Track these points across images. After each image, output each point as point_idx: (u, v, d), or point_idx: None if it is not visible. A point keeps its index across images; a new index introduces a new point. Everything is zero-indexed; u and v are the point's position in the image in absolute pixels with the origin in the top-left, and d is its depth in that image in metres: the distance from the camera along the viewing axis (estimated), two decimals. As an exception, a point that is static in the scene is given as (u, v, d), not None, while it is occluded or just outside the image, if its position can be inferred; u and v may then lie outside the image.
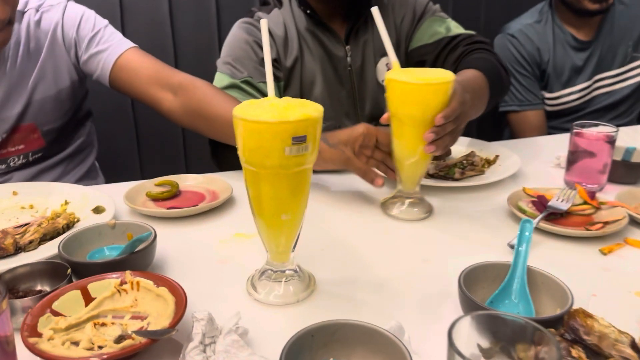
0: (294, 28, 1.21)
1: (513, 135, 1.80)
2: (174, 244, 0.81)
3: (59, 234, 0.80)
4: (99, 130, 1.37)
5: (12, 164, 1.15)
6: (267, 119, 0.58)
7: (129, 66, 1.11)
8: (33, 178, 1.17)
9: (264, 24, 0.66)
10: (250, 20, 1.22)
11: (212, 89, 1.07)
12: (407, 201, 0.90)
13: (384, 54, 1.27)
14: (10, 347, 0.48)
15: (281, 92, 1.22)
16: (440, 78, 0.81)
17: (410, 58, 1.27)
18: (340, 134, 0.94)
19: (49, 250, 0.75)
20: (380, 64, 1.27)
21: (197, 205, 0.90)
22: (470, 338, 0.47)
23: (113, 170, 1.52)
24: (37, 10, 1.11)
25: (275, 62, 1.20)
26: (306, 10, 1.19)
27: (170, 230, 0.86)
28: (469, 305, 0.59)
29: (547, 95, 1.74)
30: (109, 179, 1.26)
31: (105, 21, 1.16)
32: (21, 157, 1.15)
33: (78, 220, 0.83)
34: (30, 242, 0.76)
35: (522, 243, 0.65)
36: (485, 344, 0.49)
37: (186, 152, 1.82)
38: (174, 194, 0.96)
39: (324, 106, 1.33)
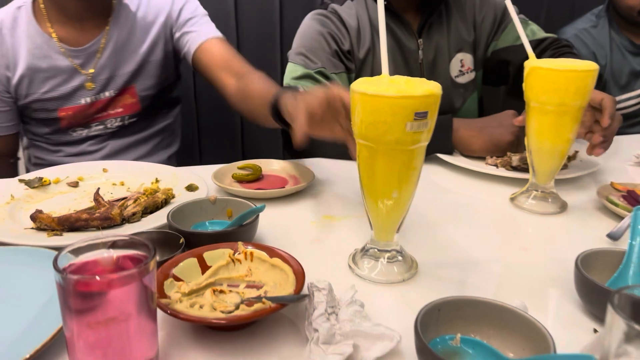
0: (366, 19, 1.22)
1: None
2: (266, 224, 0.82)
3: (157, 209, 0.82)
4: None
5: (109, 125, 1.26)
6: (391, 93, 0.58)
7: (210, 50, 1.22)
8: (124, 150, 1.27)
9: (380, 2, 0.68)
10: (324, 12, 1.23)
11: (263, 77, 1.13)
12: (540, 194, 0.89)
13: (460, 49, 1.28)
14: (154, 305, 0.49)
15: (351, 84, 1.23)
16: (586, 65, 0.81)
17: (494, 58, 1.28)
18: (309, 94, 0.78)
19: (152, 222, 0.77)
20: (454, 60, 1.27)
21: (284, 187, 0.91)
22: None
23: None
24: None
25: (348, 54, 1.21)
26: (385, 3, 1.20)
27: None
28: (590, 288, 0.58)
29: None
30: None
31: (205, 12, 1.29)
32: (118, 119, 1.26)
33: (174, 197, 0.85)
34: (134, 214, 0.78)
35: (636, 231, 0.65)
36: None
37: (244, 140, 1.84)
38: (258, 177, 0.98)
39: None
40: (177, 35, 1.26)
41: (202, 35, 1.23)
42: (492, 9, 1.27)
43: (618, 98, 1.70)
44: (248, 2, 1.70)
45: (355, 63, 1.22)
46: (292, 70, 1.17)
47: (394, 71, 1.23)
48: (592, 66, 0.81)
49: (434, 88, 0.60)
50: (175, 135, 1.43)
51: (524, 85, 0.84)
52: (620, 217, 0.83)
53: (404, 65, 1.25)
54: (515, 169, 1.00)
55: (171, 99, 1.38)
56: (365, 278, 0.68)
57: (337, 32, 1.20)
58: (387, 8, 1.20)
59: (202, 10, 1.28)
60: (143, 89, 1.27)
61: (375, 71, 1.23)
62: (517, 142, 1.02)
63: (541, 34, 1.26)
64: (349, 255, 0.72)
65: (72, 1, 1.15)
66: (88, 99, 1.22)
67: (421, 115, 0.59)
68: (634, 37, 1.65)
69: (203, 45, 1.22)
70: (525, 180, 0.92)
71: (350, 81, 1.23)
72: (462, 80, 1.31)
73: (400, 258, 0.69)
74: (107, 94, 1.23)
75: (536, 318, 0.52)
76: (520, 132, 1.03)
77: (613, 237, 0.77)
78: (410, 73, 1.25)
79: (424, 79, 0.63)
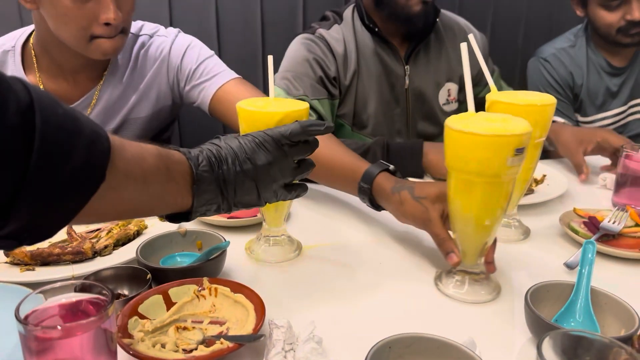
0: (353, 44, 1.24)
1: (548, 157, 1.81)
2: (238, 253, 0.84)
3: (129, 240, 0.84)
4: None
5: None
6: (496, 132, 0.64)
7: (227, 97, 1.11)
8: None
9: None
10: (311, 36, 1.24)
11: None
12: (504, 221, 0.92)
13: (450, 79, 1.32)
14: (114, 346, 0.52)
15: (335, 109, 1.25)
16: (545, 100, 0.83)
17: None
18: (430, 188, 0.81)
19: (122, 255, 0.79)
20: (443, 89, 1.31)
21: (256, 215, 0.94)
22: (548, 357, 0.49)
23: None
24: (150, 37, 1.15)
25: (334, 80, 1.23)
26: (374, 29, 1.23)
27: (230, 238, 0.89)
28: (538, 323, 0.61)
29: (581, 119, 1.73)
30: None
31: (211, 52, 1.17)
32: None
33: (146, 227, 0.88)
34: (106, 247, 0.80)
35: (585, 263, 0.67)
36: (558, 360, 0.51)
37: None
38: (232, 204, 1.00)
39: (377, 123, 1.38)
40: (186, 88, 1.15)
41: (214, 84, 1.12)
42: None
43: (593, 117, 1.73)
44: (230, 25, 1.73)
45: (340, 89, 1.25)
46: (275, 94, 1.19)
47: (379, 97, 1.27)
48: (550, 100, 0.84)
49: (527, 126, 0.65)
50: None
51: None
52: (578, 244, 0.86)
53: (390, 90, 1.28)
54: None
55: (162, 140, 1.30)
56: (451, 297, 0.74)
57: (323, 57, 1.22)
58: (376, 33, 1.24)
59: (206, 52, 1.16)
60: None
61: (359, 95, 1.26)
62: None
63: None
64: (435, 274, 0.78)
65: (70, 57, 1.06)
66: None
67: (520, 151, 0.65)
68: (611, 57, 1.68)
69: (218, 93, 1.11)
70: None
71: (333, 107, 1.25)
72: (447, 108, 1.34)
73: (484, 278, 0.75)
74: None
75: (487, 352, 0.55)
76: None
77: (570, 266, 0.80)
78: (397, 98, 1.28)
79: (509, 115, 0.68)
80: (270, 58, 0.78)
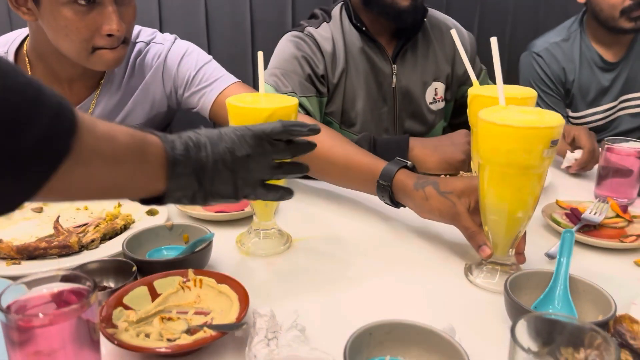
0: (341, 42, 1.25)
1: None
2: (225, 246, 0.85)
3: (117, 234, 0.84)
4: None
5: None
6: (534, 124, 0.65)
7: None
8: None
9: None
10: (300, 34, 1.25)
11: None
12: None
13: (437, 78, 1.33)
14: (96, 336, 0.52)
15: (323, 107, 1.26)
16: (526, 92, 0.85)
17: (461, 100, 1.38)
18: (454, 182, 0.82)
19: (109, 249, 0.80)
20: (430, 88, 1.32)
21: (243, 209, 0.94)
22: (522, 340, 0.50)
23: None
24: (146, 44, 1.14)
25: (322, 78, 1.24)
26: (361, 28, 1.24)
27: (219, 232, 0.90)
28: (516, 310, 0.62)
29: (572, 114, 1.75)
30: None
31: (209, 57, 1.16)
32: None
33: (134, 222, 0.88)
34: (92, 240, 0.80)
35: (564, 252, 0.69)
36: (533, 347, 0.52)
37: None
38: (219, 199, 1.01)
39: (365, 121, 1.40)
40: (185, 94, 1.14)
41: (215, 89, 1.11)
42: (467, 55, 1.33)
43: (584, 113, 1.74)
44: (219, 23, 1.74)
45: (328, 87, 1.26)
46: (265, 90, 1.21)
47: (366, 95, 1.28)
48: (531, 93, 0.85)
49: (560, 118, 0.67)
50: None
51: (468, 111, 0.88)
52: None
53: (377, 89, 1.29)
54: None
55: None
56: (483, 288, 0.74)
57: (312, 55, 1.23)
58: (364, 32, 1.25)
59: (204, 58, 1.15)
60: None
61: (347, 93, 1.27)
62: (468, 161, 1.07)
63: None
64: (465, 266, 0.79)
65: (68, 67, 1.04)
66: None
67: (555, 143, 0.66)
68: (605, 51, 1.67)
69: (218, 99, 1.10)
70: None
71: (321, 104, 1.26)
72: (434, 107, 1.36)
73: (516, 268, 0.76)
74: None
75: (467, 339, 0.56)
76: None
77: (551, 256, 0.81)
78: (384, 97, 1.29)
79: (538, 108, 0.70)
80: (260, 54, 0.79)
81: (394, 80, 1.28)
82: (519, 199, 0.70)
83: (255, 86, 0.86)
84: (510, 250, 0.75)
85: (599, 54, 1.67)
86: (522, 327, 0.49)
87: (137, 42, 1.14)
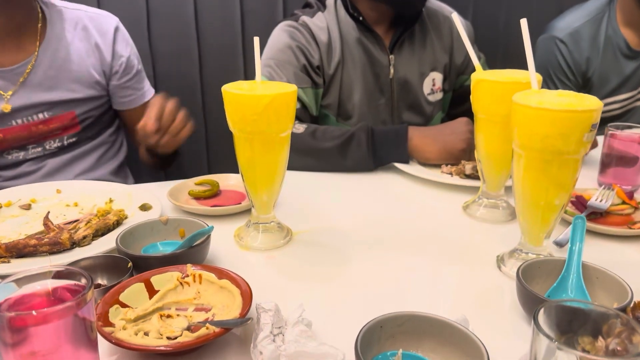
0: (337, 32, 1.22)
1: None
2: (222, 241, 0.82)
3: (109, 230, 0.81)
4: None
5: (47, 147, 1.20)
6: (575, 107, 0.62)
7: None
8: (66, 166, 1.21)
9: None
10: (294, 24, 1.22)
11: None
12: (491, 202, 0.91)
13: (434, 68, 1.31)
14: (94, 334, 0.49)
15: (319, 99, 1.23)
16: (529, 78, 0.82)
17: (460, 89, 1.36)
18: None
19: (102, 245, 0.76)
20: (428, 78, 1.29)
21: (240, 203, 0.91)
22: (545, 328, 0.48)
23: (138, 173, 1.53)
24: (88, 13, 1.22)
25: (317, 69, 1.21)
26: (358, 17, 1.21)
27: (215, 227, 0.86)
28: (530, 299, 0.60)
29: None
30: (137, 181, 1.27)
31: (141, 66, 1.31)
32: (57, 140, 1.20)
33: (127, 217, 0.85)
34: (84, 237, 0.77)
35: (576, 238, 0.67)
36: (552, 334, 0.50)
37: (208, 154, 1.83)
38: (215, 193, 0.98)
39: (362, 113, 1.38)
40: (112, 82, 1.24)
41: (146, 95, 1.28)
42: (462, 45, 1.30)
43: (603, 101, 1.65)
44: (208, 13, 1.69)
45: (324, 78, 1.23)
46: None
47: (363, 86, 1.25)
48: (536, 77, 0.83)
49: (598, 101, 0.65)
50: (120, 143, 1.35)
51: (471, 97, 0.86)
52: (568, 223, 0.85)
53: (374, 80, 1.26)
54: (468, 177, 1.02)
55: (116, 111, 1.32)
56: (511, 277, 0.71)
57: (307, 45, 1.20)
58: (360, 22, 1.22)
59: (140, 65, 1.30)
60: (82, 112, 1.21)
61: (343, 84, 1.24)
62: (469, 150, 1.05)
63: None
64: (497, 256, 0.76)
65: None
66: (19, 121, 1.14)
67: (595, 126, 0.64)
68: (633, 36, 1.54)
69: (141, 107, 1.24)
70: (478, 188, 0.94)
71: (317, 96, 1.23)
72: (432, 98, 1.33)
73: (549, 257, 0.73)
74: (40, 116, 1.16)
75: (479, 329, 0.54)
76: (472, 139, 1.05)
77: (559, 244, 0.79)
78: (381, 88, 1.27)
79: (573, 92, 0.68)
80: (256, 39, 0.76)
81: (392, 71, 1.25)
82: (556, 185, 0.67)
83: (247, 76, 0.83)
84: (546, 240, 0.72)
85: (626, 40, 1.53)
86: (543, 315, 0.46)
87: (80, 10, 1.21)
